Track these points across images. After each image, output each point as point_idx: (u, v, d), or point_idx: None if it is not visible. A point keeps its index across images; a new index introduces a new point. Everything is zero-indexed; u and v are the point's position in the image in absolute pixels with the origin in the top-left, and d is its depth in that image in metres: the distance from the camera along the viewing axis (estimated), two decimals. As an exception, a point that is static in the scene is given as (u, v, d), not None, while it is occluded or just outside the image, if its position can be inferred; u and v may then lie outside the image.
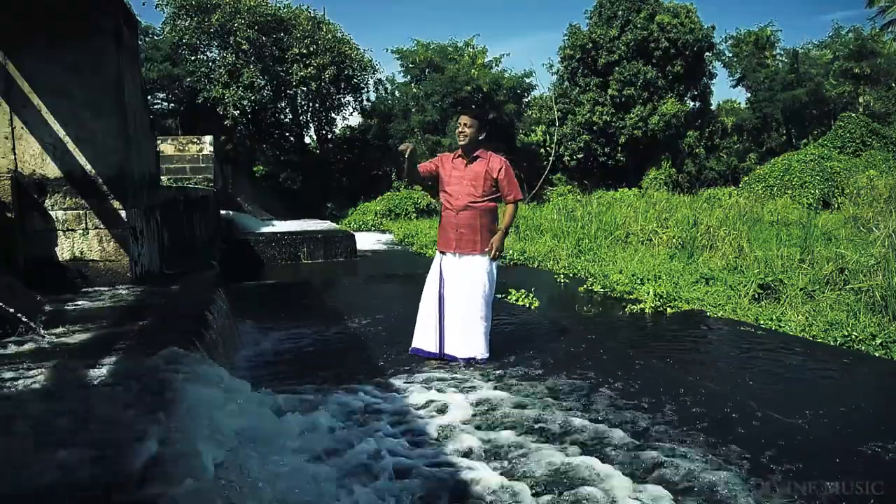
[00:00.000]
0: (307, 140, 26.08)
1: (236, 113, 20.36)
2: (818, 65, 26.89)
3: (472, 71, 23.27)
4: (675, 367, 4.15)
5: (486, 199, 4.12)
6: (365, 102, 24.95)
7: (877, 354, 4.41)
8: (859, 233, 9.12)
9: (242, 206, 17.68)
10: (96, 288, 4.95)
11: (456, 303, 4.15)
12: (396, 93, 25.56)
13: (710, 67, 25.42)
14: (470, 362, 4.14)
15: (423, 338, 4.26)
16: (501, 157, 4.27)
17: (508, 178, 4.14)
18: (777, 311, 5.56)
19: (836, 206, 14.19)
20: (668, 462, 2.67)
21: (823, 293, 6.00)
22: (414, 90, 24.39)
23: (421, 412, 3.30)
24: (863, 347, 4.53)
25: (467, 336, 4.14)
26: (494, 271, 4.25)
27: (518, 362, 4.20)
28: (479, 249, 4.13)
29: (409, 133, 22.62)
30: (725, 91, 77.94)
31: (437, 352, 4.19)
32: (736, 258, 7.83)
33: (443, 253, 4.21)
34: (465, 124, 4.08)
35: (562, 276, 8.11)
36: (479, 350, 4.17)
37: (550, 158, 24.37)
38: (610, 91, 23.24)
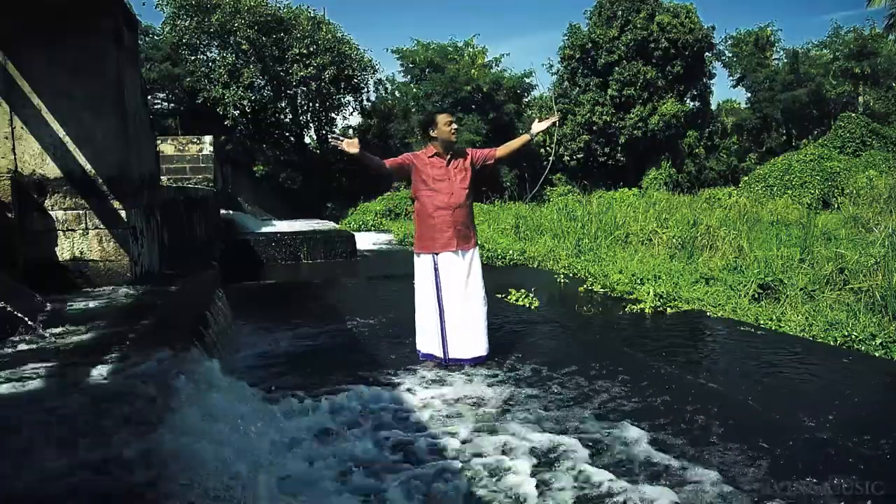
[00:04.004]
0: (307, 140, 26.11)
1: (236, 113, 20.37)
2: (818, 65, 26.93)
3: (472, 71, 23.31)
4: (675, 367, 4.14)
5: (471, 193, 4.29)
6: (365, 102, 25.02)
7: (877, 354, 4.41)
8: (859, 233, 9.12)
9: (242, 206, 17.68)
10: (96, 288, 4.95)
11: (456, 303, 4.15)
12: (396, 93, 25.60)
13: (710, 67, 25.48)
14: (477, 361, 4.15)
15: (428, 342, 4.25)
16: (465, 148, 4.53)
17: (481, 149, 4.44)
18: (777, 311, 5.56)
19: (836, 206, 14.20)
20: (668, 461, 2.68)
21: (823, 293, 6.00)
22: (414, 90, 24.42)
23: (420, 412, 3.31)
24: (863, 347, 4.53)
25: (471, 335, 4.15)
26: None
27: (517, 361, 4.20)
28: (474, 244, 4.27)
29: (408, 133, 22.63)
30: (725, 91, 78.03)
31: (443, 357, 4.19)
32: (736, 258, 7.82)
33: (435, 254, 4.20)
34: (455, 123, 4.27)
35: (562, 276, 8.10)
36: (484, 348, 4.19)
37: (550, 158, 24.39)
38: (610, 91, 23.26)
